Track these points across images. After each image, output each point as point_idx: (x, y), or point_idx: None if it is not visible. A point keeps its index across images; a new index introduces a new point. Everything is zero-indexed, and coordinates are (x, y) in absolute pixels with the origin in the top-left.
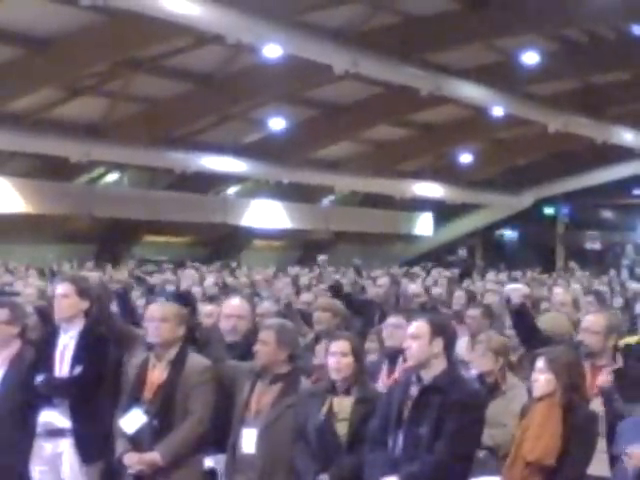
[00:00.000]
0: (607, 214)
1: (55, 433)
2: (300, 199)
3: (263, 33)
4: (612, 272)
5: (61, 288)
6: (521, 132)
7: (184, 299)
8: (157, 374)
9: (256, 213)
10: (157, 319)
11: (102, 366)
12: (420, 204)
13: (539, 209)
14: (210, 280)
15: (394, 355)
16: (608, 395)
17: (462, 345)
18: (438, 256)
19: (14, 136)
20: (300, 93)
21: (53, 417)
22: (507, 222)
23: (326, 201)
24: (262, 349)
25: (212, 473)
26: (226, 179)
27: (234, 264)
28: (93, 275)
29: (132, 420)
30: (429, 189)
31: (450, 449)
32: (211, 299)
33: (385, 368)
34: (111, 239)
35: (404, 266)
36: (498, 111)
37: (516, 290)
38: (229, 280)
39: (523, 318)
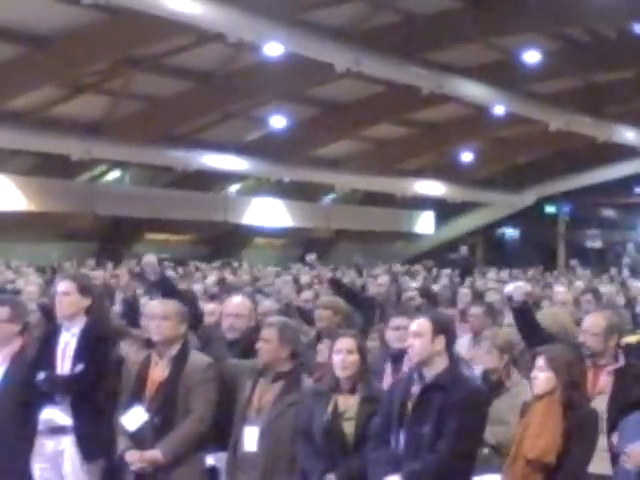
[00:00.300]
0: (608, 213)
1: (56, 430)
2: (301, 197)
3: (264, 31)
4: (613, 270)
5: (62, 286)
6: (523, 131)
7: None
8: (158, 372)
9: (257, 211)
10: (159, 317)
11: (103, 364)
12: (421, 202)
13: (540, 207)
14: (211, 278)
15: (398, 356)
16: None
17: (464, 343)
18: (439, 254)
19: (15, 134)
20: (301, 91)
21: (55, 414)
22: (508, 220)
23: (327, 199)
24: (264, 347)
25: (213, 471)
26: (227, 177)
27: (235, 263)
28: (97, 274)
29: (133, 418)
30: (430, 187)
31: (452, 448)
32: (212, 297)
33: (389, 368)
34: (112, 237)
35: (405, 264)
36: (499, 110)
37: (518, 288)
38: (230, 278)
39: (525, 315)
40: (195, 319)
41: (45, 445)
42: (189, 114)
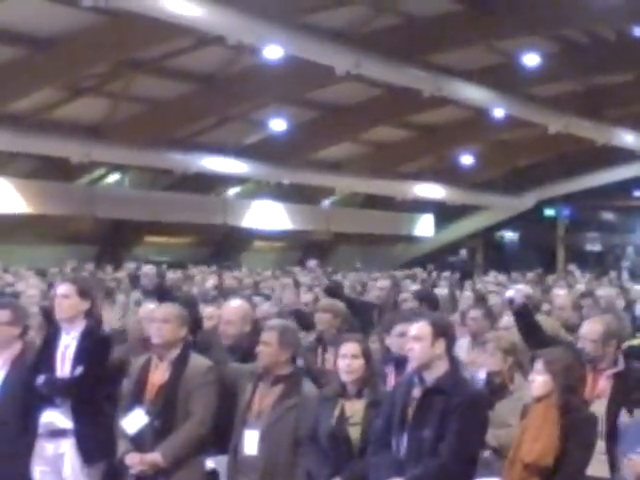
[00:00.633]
0: (608, 216)
1: (57, 434)
2: (301, 200)
3: (264, 34)
4: (612, 274)
5: (62, 289)
6: (522, 134)
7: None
8: (159, 375)
9: (257, 214)
10: (159, 320)
11: (103, 367)
12: (421, 205)
13: (540, 211)
14: (210, 282)
15: (401, 360)
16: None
17: (462, 346)
18: (439, 257)
19: (15, 137)
20: (301, 94)
21: (55, 418)
22: (508, 224)
23: (327, 202)
24: (264, 350)
25: (213, 474)
26: (227, 180)
27: (227, 263)
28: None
29: (134, 421)
30: (430, 190)
31: (454, 451)
32: (211, 301)
33: (392, 373)
34: (112, 240)
35: (404, 267)
36: (499, 113)
37: (519, 290)
38: (228, 282)
39: (525, 318)
40: (195, 323)
41: (45, 448)
42: (189, 117)
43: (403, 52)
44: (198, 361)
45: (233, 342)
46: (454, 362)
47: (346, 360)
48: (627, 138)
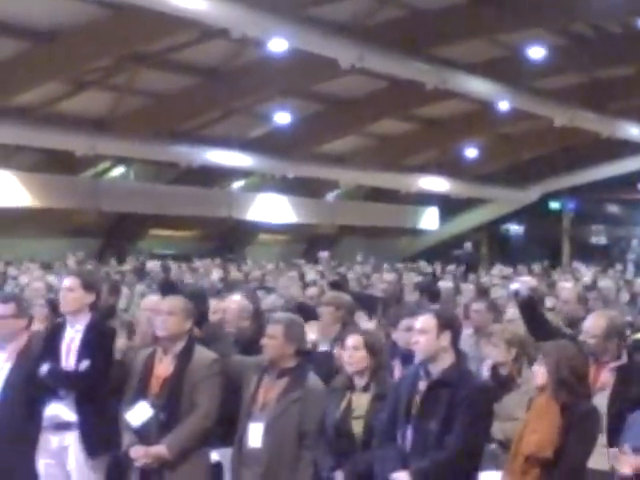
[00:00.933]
0: (613, 209)
1: (61, 426)
2: (305, 193)
3: (268, 27)
4: (618, 266)
5: (67, 282)
6: (527, 127)
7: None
8: (164, 367)
9: (261, 207)
10: (164, 312)
11: (108, 360)
12: (425, 198)
13: (545, 204)
14: (215, 275)
15: (408, 355)
16: None
17: (464, 339)
18: (444, 250)
19: (20, 130)
20: (305, 87)
21: (60, 410)
22: (513, 216)
23: (331, 195)
24: (270, 343)
25: (218, 467)
26: (231, 173)
27: (232, 256)
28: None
29: (138, 413)
30: (434, 183)
31: (461, 444)
32: (217, 294)
33: (399, 367)
34: (117, 233)
35: (409, 260)
36: (504, 105)
37: (524, 282)
38: (233, 275)
39: (531, 310)
40: (201, 316)
41: (50, 441)
42: (193, 110)
43: (407, 45)
44: (203, 354)
45: (234, 336)
46: (459, 354)
47: (348, 352)
48: (632, 131)
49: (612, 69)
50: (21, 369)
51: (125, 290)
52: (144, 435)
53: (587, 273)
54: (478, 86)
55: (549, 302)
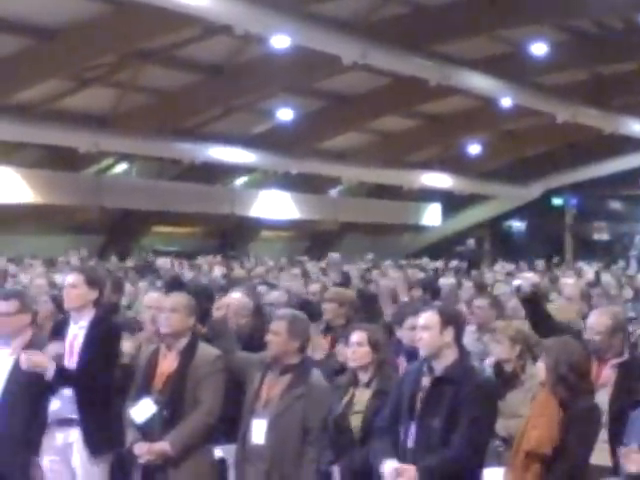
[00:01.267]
0: (615, 205)
1: (66, 423)
2: (308, 190)
3: (271, 24)
4: (621, 263)
5: (70, 278)
6: (529, 123)
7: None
8: (167, 364)
9: (264, 204)
10: (167, 309)
11: (112, 356)
12: (428, 195)
13: (547, 200)
14: (218, 271)
15: (413, 352)
16: None
17: (467, 335)
18: (446, 247)
19: (22, 127)
20: (308, 84)
21: (64, 407)
22: (515, 213)
23: (334, 192)
24: (273, 339)
25: (222, 463)
26: (234, 170)
27: (234, 253)
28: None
29: (142, 410)
30: (437, 180)
31: (466, 443)
32: (220, 291)
33: (403, 365)
34: (120, 230)
35: (412, 257)
36: (506, 102)
37: (526, 279)
38: (236, 272)
39: (534, 307)
40: (204, 313)
41: (54, 437)
42: (196, 107)
43: (410, 41)
44: (206, 350)
45: (235, 332)
46: (463, 351)
47: (352, 347)
48: (635, 127)
49: (615, 65)
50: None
51: (128, 287)
52: (148, 432)
53: (589, 271)
54: (481, 82)
55: (552, 298)
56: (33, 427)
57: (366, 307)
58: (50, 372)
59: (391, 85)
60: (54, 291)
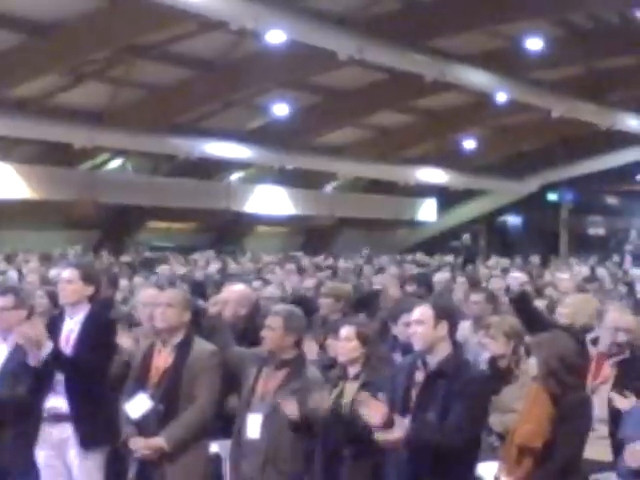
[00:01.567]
0: (611, 200)
1: (61, 418)
2: (304, 185)
3: (266, 19)
4: (616, 258)
5: (66, 273)
6: (525, 118)
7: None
8: (163, 359)
9: (260, 199)
10: (163, 304)
11: (107, 350)
12: (424, 190)
13: (543, 195)
14: (213, 267)
15: (408, 348)
16: None
17: (464, 329)
18: (442, 242)
19: (18, 122)
20: (304, 79)
21: (59, 402)
22: (511, 208)
23: (330, 187)
24: (269, 335)
25: (217, 458)
26: (230, 165)
27: (230, 249)
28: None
29: (137, 405)
30: (433, 175)
31: (456, 429)
32: (215, 286)
33: (400, 359)
34: (115, 225)
35: (408, 252)
36: (502, 97)
37: (515, 279)
38: (232, 266)
39: (524, 305)
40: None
41: (49, 433)
42: (191, 102)
43: (406, 37)
44: (202, 345)
45: (230, 323)
46: (457, 345)
47: (340, 342)
48: (631, 122)
49: (610, 60)
50: (21, 359)
51: (124, 282)
52: (143, 427)
53: (579, 268)
54: (476, 78)
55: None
56: (29, 422)
57: (365, 303)
58: (46, 350)
59: (387, 80)
60: (48, 286)
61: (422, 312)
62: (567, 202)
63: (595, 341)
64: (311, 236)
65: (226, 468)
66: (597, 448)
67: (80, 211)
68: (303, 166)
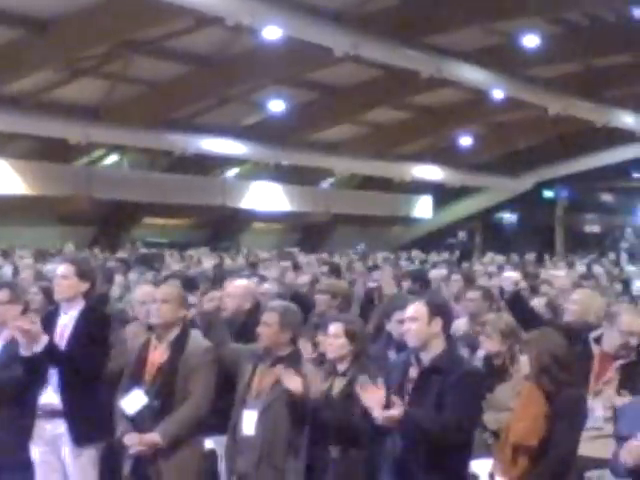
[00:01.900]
0: (607, 197)
1: (55, 414)
2: (300, 181)
3: (263, 15)
4: (611, 255)
5: (61, 269)
6: (521, 115)
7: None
8: (158, 355)
9: (255, 195)
10: (159, 300)
11: (101, 346)
12: (419, 187)
13: (539, 192)
14: (208, 263)
15: (403, 345)
16: None
17: (460, 326)
18: (438, 239)
19: (13, 118)
20: (300, 75)
21: (53, 398)
22: (507, 205)
23: (325, 184)
24: (265, 331)
25: (212, 454)
26: (226, 161)
27: (225, 245)
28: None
29: (133, 401)
30: (429, 172)
31: (449, 421)
32: (213, 283)
33: (394, 356)
34: (111, 221)
35: (403, 249)
36: (498, 94)
37: (507, 279)
38: (228, 263)
39: (518, 304)
40: None
41: (43, 428)
42: (187, 98)
43: (402, 33)
44: (197, 341)
45: (231, 316)
46: (451, 341)
47: (329, 339)
48: (626, 119)
49: (606, 57)
50: (16, 354)
51: (119, 278)
52: (138, 422)
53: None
54: (472, 74)
55: (544, 289)
56: (23, 417)
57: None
58: (41, 344)
59: (383, 77)
60: (43, 282)
61: (416, 309)
62: (563, 199)
63: (598, 339)
64: (307, 232)
65: (221, 464)
66: (602, 446)
67: (75, 207)
68: (299, 162)
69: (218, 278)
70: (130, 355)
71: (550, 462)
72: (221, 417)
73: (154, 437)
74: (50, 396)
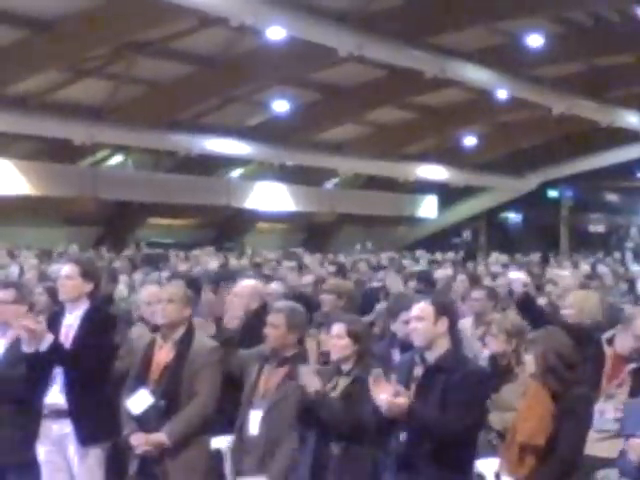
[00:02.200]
0: (611, 197)
1: (61, 414)
2: (304, 181)
3: (267, 15)
4: (616, 255)
5: (65, 269)
6: (525, 115)
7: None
8: (163, 355)
9: (260, 195)
10: (164, 300)
11: (106, 346)
12: (424, 187)
13: (543, 192)
14: (213, 263)
15: (407, 345)
16: None
17: (466, 325)
18: (442, 239)
19: (18, 118)
20: (304, 75)
21: (59, 398)
22: (511, 205)
23: (330, 184)
24: (272, 332)
25: (218, 454)
26: (230, 161)
27: (230, 245)
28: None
29: (139, 401)
30: (433, 172)
31: (453, 419)
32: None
33: (398, 356)
34: (115, 222)
35: (408, 249)
36: (502, 94)
37: (517, 280)
38: (233, 263)
39: (528, 305)
40: None
41: (50, 428)
42: (192, 98)
43: (406, 33)
44: (202, 341)
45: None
46: (456, 341)
47: (332, 340)
48: (631, 119)
49: (611, 57)
50: (17, 351)
51: (124, 278)
52: (144, 422)
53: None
54: (476, 74)
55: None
56: (29, 417)
57: (365, 299)
58: (46, 343)
59: (387, 77)
60: (48, 282)
61: (422, 308)
62: (567, 199)
63: (610, 341)
64: (312, 233)
65: (227, 464)
66: (612, 446)
67: (80, 207)
68: (303, 162)
69: (218, 279)
70: (135, 355)
71: (556, 461)
72: (225, 417)
73: (160, 437)
74: (56, 396)
